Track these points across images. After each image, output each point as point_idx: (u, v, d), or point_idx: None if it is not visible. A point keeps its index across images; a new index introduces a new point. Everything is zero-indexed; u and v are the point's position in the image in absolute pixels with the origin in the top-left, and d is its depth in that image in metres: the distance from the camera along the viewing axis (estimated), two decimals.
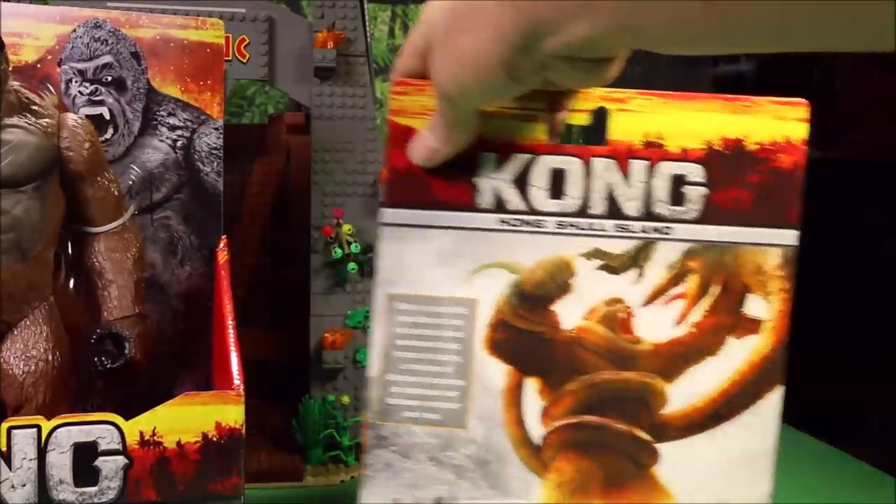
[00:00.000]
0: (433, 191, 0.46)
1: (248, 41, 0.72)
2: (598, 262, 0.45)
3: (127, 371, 0.56)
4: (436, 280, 0.46)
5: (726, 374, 0.45)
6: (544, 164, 0.45)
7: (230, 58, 0.70)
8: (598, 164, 0.45)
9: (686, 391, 0.45)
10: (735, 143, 0.45)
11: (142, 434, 0.50)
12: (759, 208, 0.45)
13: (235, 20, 0.71)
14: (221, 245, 0.62)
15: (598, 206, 0.45)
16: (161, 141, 0.62)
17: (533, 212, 0.45)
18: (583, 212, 0.45)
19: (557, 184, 0.45)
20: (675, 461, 0.45)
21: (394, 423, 0.46)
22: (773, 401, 0.45)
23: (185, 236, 0.63)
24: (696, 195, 0.45)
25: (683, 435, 0.45)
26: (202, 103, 0.62)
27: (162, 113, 0.62)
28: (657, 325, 0.45)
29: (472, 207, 0.45)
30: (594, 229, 0.45)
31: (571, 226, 0.45)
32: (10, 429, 0.48)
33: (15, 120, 0.53)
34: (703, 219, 0.45)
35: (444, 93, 0.41)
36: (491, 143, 0.45)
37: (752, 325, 0.45)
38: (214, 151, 0.63)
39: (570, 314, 0.46)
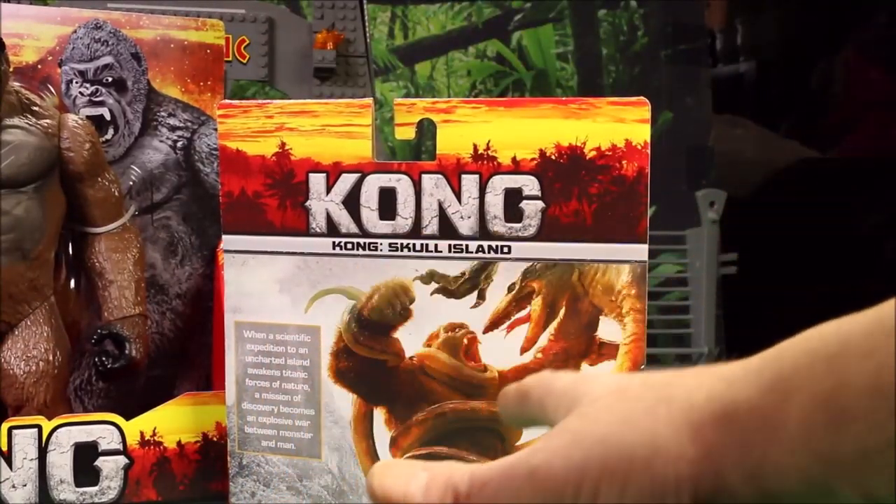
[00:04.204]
0: (268, 216, 0.44)
1: (248, 42, 0.72)
2: (435, 286, 0.43)
3: (127, 371, 0.57)
4: (279, 307, 0.44)
5: None
6: (373, 184, 0.43)
7: (230, 58, 0.71)
8: (428, 180, 0.42)
9: None
10: (571, 151, 0.41)
11: (142, 434, 0.50)
12: (603, 222, 0.40)
13: (235, 21, 0.71)
14: (221, 245, 0.62)
15: (430, 225, 0.42)
16: (161, 141, 0.62)
17: (365, 234, 0.43)
18: (415, 232, 0.42)
19: (388, 204, 0.43)
20: None
21: (253, 452, 0.46)
22: None
23: (185, 237, 0.63)
24: (533, 210, 0.41)
25: None
26: (202, 104, 0.62)
27: (162, 114, 0.62)
28: (502, 352, 0.42)
29: (306, 232, 0.44)
30: (428, 251, 0.43)
31: (405, 248, 0.43)
32: (10, 429, 0.48)
33: (16, 121, 0.53)
34: (542, 235, 0.41)
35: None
36: (319, 164, 0.43)
37: (607, 350, 0.41)
38: (215, 152, 0.63)
39: (412, 341, 0.43)
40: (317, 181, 0.43)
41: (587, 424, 0.26)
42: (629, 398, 0.26)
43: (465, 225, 0.42)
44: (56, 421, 0.49)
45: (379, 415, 0.44)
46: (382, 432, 0.44)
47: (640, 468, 0.24)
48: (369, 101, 0.43)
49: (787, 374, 0.23)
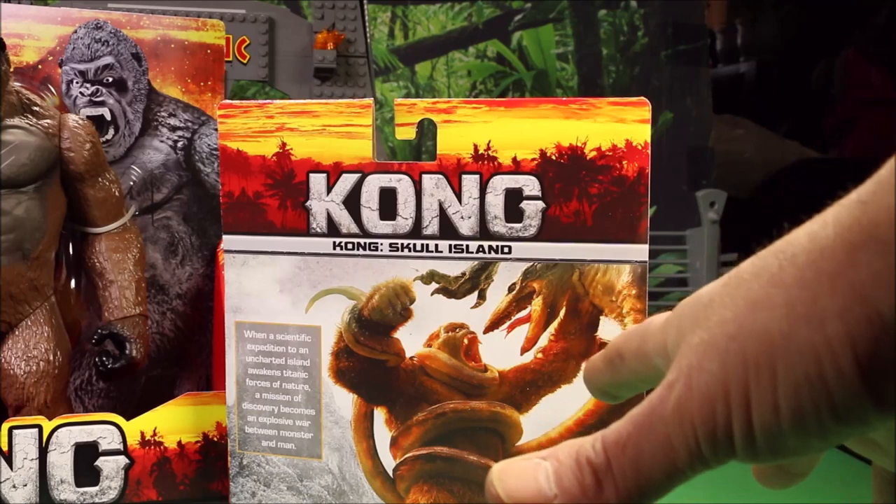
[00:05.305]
0: (268, 216, 0.44)
1: (248, 42, 0.72)
2: (436, 286, 0.43)
3: (127, 371, 0.57)
4: (279, 307, 0.45)
5: (580, 404, 0.42)
6: (373, 184, 0.43)
7: (230, 59, 0.71)
8: (428, 181, 0.42)
9: (542, 421, 0.42)
10: (571, 151, 0.41)
11: (142, 434, 0.50)
12: (604, 222, 0.41)
13: (236, 21, 0.71)
14: (221, 245, 0.62)
15: (431, 225, 0.42)
16: (162, 141, 0.62)
17: (366, 234, 0.43)
18: (416, 232, 0.43)
19: (389, 204, 0.43)
20: None
21: (253, 452, 0.46)
22: None
23: (185, 237, 0.63)
24: (533, 210, 0.41)
25: None
26: (203, 104, 0.63)
27: (162, 114, 0.62)
28: (503, 352, 0.42)
29: (306, 232, 0.44)
30: (429, 251, 0.43)
31: (405, 248, 0.43)
32: (11, 429, 0.48)
33: (16, 121, 0.53)
34: (543, 235, 0.41)
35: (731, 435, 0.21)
36: (319, 164, 0.43)
37: None
38: (215, 152, 0.63)
39: (413, 341, 0.43)
40: (317, 181, 0.44)
41: (712, 331, 0.22)
42: (743, 282, 0.22)
43: (466, 225, 0.42)
44: (56, 421, 0.49)
45: (379, 415, 0.44)
46: (383, 432, 0.44)
47: (781, 347, 0.20)
48: (370, 101, 0.43)
49: None
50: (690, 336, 0.23)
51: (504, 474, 0.24)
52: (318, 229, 0.44)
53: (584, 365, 0.30)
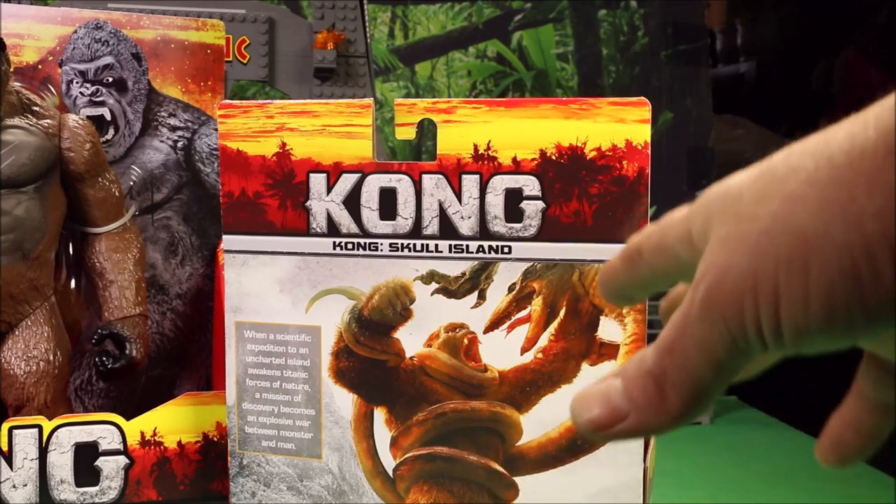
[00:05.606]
0: (268, 216, 0.44)
1: (248, 42, 0.72)
2: (436, 286, 0.43)
3: (127, 371, 0.57)
4: (279, 307, 0.45)
5: None
6: (373, 184, 0.43)
7: (230, 59, 0.71)
8: (428, 181, 0.42)
9: (542, 422, 0.42)
10: (571, 151, 0.40)
11: (142, 434, 0.50)
12: (604, 222, 0.40)
13: (236, 21, 0.71)
14: (221, 245, 0.62)
15: (431, 225, 0.42)
16: (162, 141, 0.62)
17: (366, 234, 0.43)
18: (416, 232, 0.43)
19: (389, 204, 0.43)
20: (535, 496, 0.42)
21: (253, 452, 0.46)
22: None
23: (185, 237, 0.63)
24: (533, 210, 0.41)
25: (540, 468, 0.42)
26: (203, 104, 0.63)
27: (163, 114, 0.62)
28: (503, 352, 0.42)
29: (306, 232, 0.44)
30: (429, 251, 0.43)
31: (405, 248, 0.43)
32: (11, 429, 0.48)
33: (16, 121, 0.53)
34: (543, 235, 0.41)
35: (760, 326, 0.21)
36: (319, 164, 0.43)
37: (608, 350, 0.41)
38: (215, 152, 0.63)
39: (413, 341, 0.43)
40: (317, 181, 0.44)
41: (742, 226, 0.22)
42: (777, 178, 0.22)
43: (466, 225, 0.42)
44: (56, 421, 0.49)
45: (379, 415, 0.44)
46: (383, 432, 0.44)
47: (816, 244, 0.20)
48: (369, 101, 0.43)
49: None
50: (719, 228, 0.22)
51: (581, 402, 0.24)
52: (318, 229, 0.44)
53: (603, 269, 0.29)
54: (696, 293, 0.22)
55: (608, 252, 0.41)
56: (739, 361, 0.22)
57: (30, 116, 0.54)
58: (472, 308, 0.43)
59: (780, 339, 0.21)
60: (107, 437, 0.50)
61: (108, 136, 0.60)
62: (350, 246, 0.44)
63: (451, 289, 0.43)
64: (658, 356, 0.23)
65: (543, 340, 0.42)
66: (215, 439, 0.52)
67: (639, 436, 0.24)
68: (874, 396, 0.28)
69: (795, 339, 0.21)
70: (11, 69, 0.54)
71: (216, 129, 0.63)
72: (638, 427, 0.23)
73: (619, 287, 0.29)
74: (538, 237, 0.41)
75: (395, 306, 0.43)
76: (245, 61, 0.72)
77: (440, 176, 0.42)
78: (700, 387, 0.22)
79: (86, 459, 0.49)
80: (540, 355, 0.42)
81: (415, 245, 0.43)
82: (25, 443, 0.48)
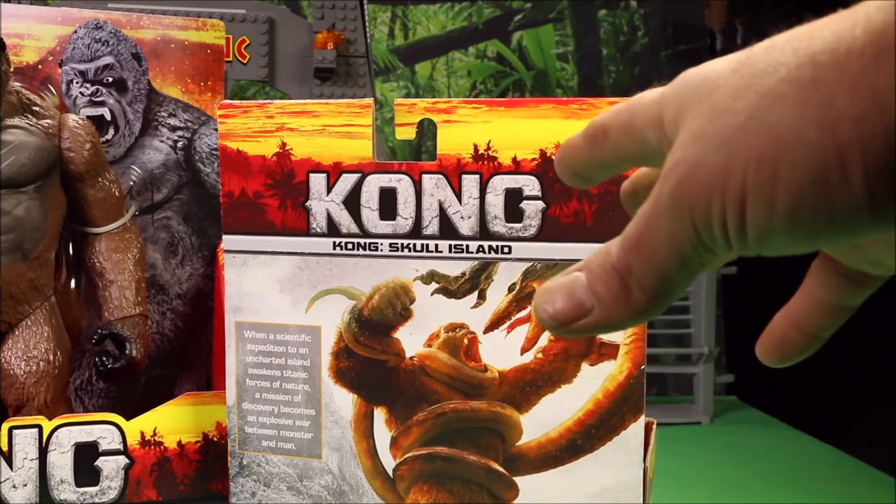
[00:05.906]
0: (268, 216, 0.44)
1: (248, 42, 0.72)
2: (436, 286, 0.43)
3: (127, 371, 0.57)
4: (279, 307, 0.45)
5: (580, 404, 0.41)
6: (373, 184, 0.43)
7: (231, 59, 0.71)
8: (428, 181, 0.42)
9: (542, 421, 0.42)
10: None
11: (142, 434, 0.50)
12: (604, 222, 0.40)
13: (236, 21, 0.71)
14: (221, 245, 0.62)
15: (431, 225, 0.42)
16: (162, 141, 0.62)
17: (366, 234, 0.43)
18: (416, 232, 0.43)
19: (389, 204, 0.43)
20: (535, 496, 0.42)
21: (253, 452, 0.46)
22: (635, 432, 0.41)
23: (185, 237, 0.63)
24: (533, 210, 0.41)
25: (540, 468, 0.42)
26: (203, 104, 0.63)
27: (162, 114, 0.62)
28: (503, 352, 0.42)
29: (306, 232, 0.44)
30: (429, 251, 0.43)
31: (405, 248, 0.43)
32: (11, 429, 0.48)
33: (16, 121, 0.53)
34: (543, 235, 0.41)
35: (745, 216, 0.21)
36: (319, 164, 0.43)
37: (607, 350, 0.41)
38: (215, 152, 0.63)
39: (413, 341, 0.43)
40: (317, 181, 0.44)
41: (717, 121, 0.21)
42: (757, 73, 0.21)
43: (466, 225, 0.42)
44: (56, 421, 0.49)
45: (379, 415, 0.44)
46: (383, 432, 0.44)
47: (789, 145, 0.19)
48: (369, 101, 0.43)
49: None
50: (691, 121, 0.22)
51: (544, 295, 0.24)
52: (318, 229, 0.44)
53: (561, 147, 0.28)
54: (664, 186, 0.22)
55: None
56: (704, 258, 0.22)
57: (30, 116, 0.54)
58: (472, 308, 0.43)
59: (744, 238, 0.21)
60: (107, 437, 0.50)
61: (108, 136, 0.60)
62: (350, 246, 0.44)
63: (451, 289, 0.43)
64: (623, 251, 0.23)
65: (543, 340, 0.42)
66: (215, 439, 0.52)
67: (602, 331, 0.24)
68: (823, 297, 0.27)
69: (758, 239, 0.20)
70: (11, 69, 0.54)
71: (216, 129, 0.63)
72: (602, 322, 0.23)
73: (579, 166, 0.28)
74: (538, 237, 0.41)
75: (395, 306, 0.43)
76: (245, 61, 0.72)
77: (440, 176, 0.42)
78: (665, 282, 0.22)
79: (86, 459, 0.49)
80: (540, 355, 0.42)
81: (415, 245, 0.43)
82: (25, 443, 0.48)
